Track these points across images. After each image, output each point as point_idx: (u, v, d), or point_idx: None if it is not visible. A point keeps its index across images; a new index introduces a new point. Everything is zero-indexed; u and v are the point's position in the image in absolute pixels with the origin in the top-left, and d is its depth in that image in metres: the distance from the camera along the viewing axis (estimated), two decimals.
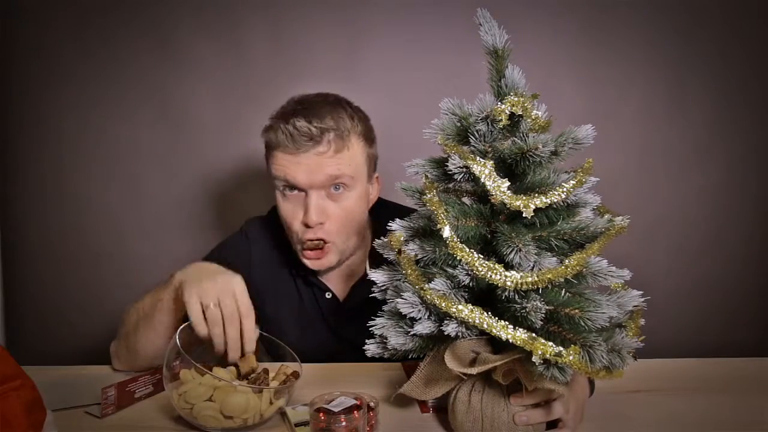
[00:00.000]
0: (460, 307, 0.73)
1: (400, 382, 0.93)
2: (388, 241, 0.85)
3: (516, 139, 0.79)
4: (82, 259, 1.73)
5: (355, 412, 0.82)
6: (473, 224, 0.80)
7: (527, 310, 0.73)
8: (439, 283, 0.77)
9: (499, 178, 0.75)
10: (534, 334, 0.69)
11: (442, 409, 0.93)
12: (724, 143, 1.72)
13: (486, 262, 0.73)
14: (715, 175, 1.73)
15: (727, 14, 1.67)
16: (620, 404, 0.98)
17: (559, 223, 0.79)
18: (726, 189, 1.74)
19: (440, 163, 0.82)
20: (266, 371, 0.96)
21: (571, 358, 0.68)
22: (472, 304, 0.73)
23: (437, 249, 0.81)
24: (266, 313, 1.23)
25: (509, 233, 0.76)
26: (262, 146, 1.18)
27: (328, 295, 1.24)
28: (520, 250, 0.74)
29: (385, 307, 0.86)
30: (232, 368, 0.96)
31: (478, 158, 0.76)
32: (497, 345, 0.80)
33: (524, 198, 0.74)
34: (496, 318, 0.72)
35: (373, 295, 0.89)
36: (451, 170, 0.78)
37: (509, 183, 0.75)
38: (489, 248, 0.80)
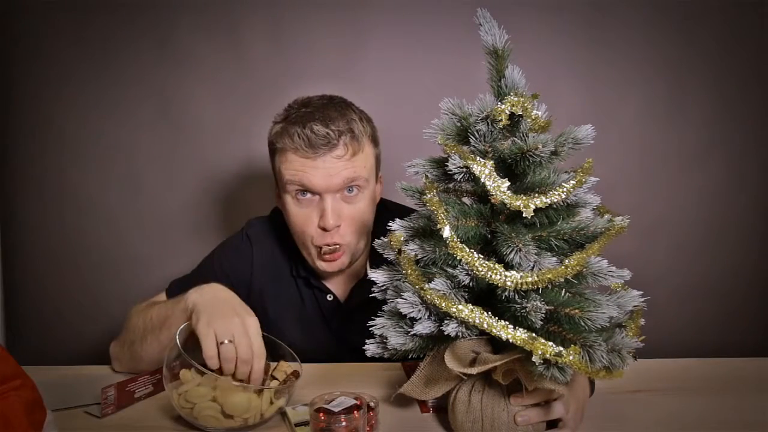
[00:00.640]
0: (460, 307, 0.73)
1: (400, 382, 0.93)
2: (388, 241, 0.85)
3: (516, 139, 0.79)
4: (82, 259, 1.73)
5: (355, 412, 0.82)
6: (473, 224, 0.80)
7: (527, 310, 0.73)
8: (439, 283, 0.77)
9: (499, 178, 0.75)
10: (534, 334, 0.69)
11: (442, 409, 0.93)
12: (724, 143, 1.72)
13: (486, 262, 0.73)
14: (715, 175, 1.73)
15: (727, 14, 1.67)
16: (620, 404, 0.98)
17: (559, 223, 0.79)
18: (726, 189, 1.74)
19: (440, 163, 0.82)
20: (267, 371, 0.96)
21: (571, 358, 0.68)
22: (472, 304, 0.73)
23: (437, 249, 0.81)
24: (267, 314, 1.22)
25: (509, 233, 0.76)
26: (262, 146, 1.18)
27: (329, 297, 1.23)
28: (520, 250, 0.74)
29: (385, 307, 0.86)
30: None
31: (478, 158, 0.76)
32: (497, 345, 0.80)
33: (524, 198, 0.74)
34: (496, 318, 0.72)
35: (373, 295, 0.89)
36: (451, 170, 0.78)
37: (509, 183, 0.75)
38: (489, 248, 0.80)
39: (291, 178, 1.09)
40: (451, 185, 0.84)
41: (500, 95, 0.79)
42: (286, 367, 0.96)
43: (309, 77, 1.62)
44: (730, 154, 1.73)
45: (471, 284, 0.79)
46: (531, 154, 0.76)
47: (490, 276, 0.72)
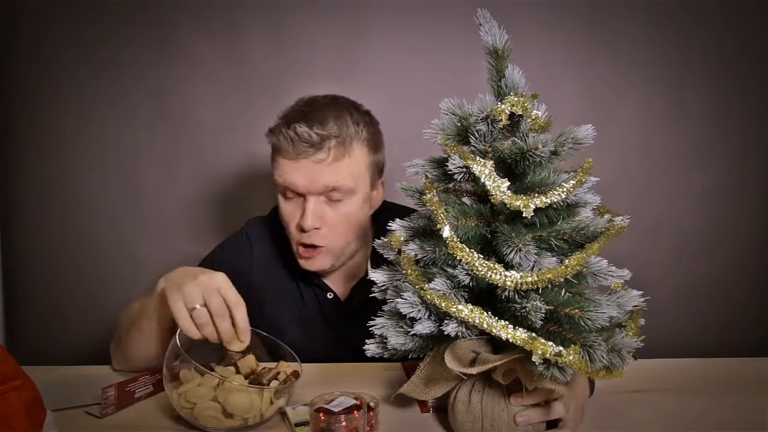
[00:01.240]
0: (460, 307, 0.73)
1: (400, 382, 0.93)
2: (388, 241, 0.85)
3: (516, 139, 0.79)
4: (82, 259, 1.73)
5: (355, 412, 0.82)
6: (473, 224, 0.80)
7: (527, 309, 0.73)
8: (439, 283, 0.77)
9: (499, 178, 0.75)
10: (534, 334, 0.69)
11: (442, 409, 0.93)
12: (724, 143, 1.72)
13: (486, 262, 0.73)
14: (714, 175, 1.73)
15: (727, 14, 1.67)
16: (620, 404, 0.98)
17: (559, 223, 0.79)
18: (726, 189, 1.74)
19: (440, 163, 0.82)
20: (268, 370, 0.96)
21: (571, 358, 0.68)
22: (472, 304, 0.73)
23: (437, 249, 0.81)
24: (267, 313, 1.22)
25: (509, 233, 0.76)
26: (262, 146, 1.18)
27: (329, 296, 1.23)
28: (520, 250, 0.74)
29: (385, 307, 0.86)
30: (232, 368, 0.96)
31: (478, 158, 0.76)
32: (497, 345, 0.80)
33: (524, 198, 0.74)
34: (496, 318, 0.72)
35: (373, 295, 0.89)
36: (451, 170, 0.78)
37: (509, 183, 0.75)
38: (489, 248, 0.80)
39: (277, 178, 1.11)
40: (451, 185, 0.84)
41: (500, 95, 0.79)
42: (286, 367, 0.96)
43: (309, 77, 1.62)
44: (730, 153, 1.73)
45: (471, 284, 0.79)
46: (531, 154, 0.76)
47: (490, 276, 0.72)
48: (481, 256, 0.73)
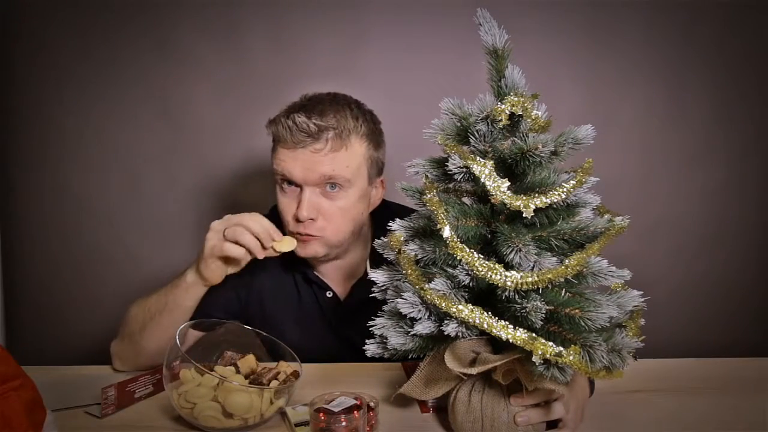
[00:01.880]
0: (460, 307, 0.73)
1: (400, 382, 0.93)
2: (388, 241, 0.85)
3: (516, 139, 0.79)
4: (82, 259, 1.73)
5: (355, 412, 0.82)
6: (473, 224, 0.80)
7: (527, 310, 0.73)
8: (439, 283, 0.77)
9: (499, 178, 0.75)
10: (534, 334, 0.69)
11: (442, 409, 0.93)
12: (724, 143, 1.72)
13: (486, 262, 0.73)
14: (715, 175, 1.73)
15: (727, 14, 1.67)
16: (620, 404, 0.98)
17: (559, 223, 0.79)
18: (726, 189, 1.74)
19: (440, 163, 0.82)
20: (268, 370, 0.96)
21: (571, 358, 0.68)
22: (472, 304, 0.73)
23: (437, 249, 0.81)
24: (268, 312, 1.23)
25: (509, 233, 0.76)
26: (262, 145, 1.19)
27: (328, 294, 1.24)
28: (520, 250, 0.74)
29: (385, 307, 0.86)
30: (232, 368, 0.96)
31: (478, 158, 0.76)
32: (497, 345, 0.80)
33: (524, 198, 0.74)
34: (496, 318, 0.72)
35: (373, 295, 0.89)
36: (451, 170, 0.78)
37: (509, 183, 0.75)
38: (489, 248, 0.80)
39: (276, 168, 1.12)
40: (451, 185, 0.84)
41: (500, 95, 0.79)
42: (285, 367, 0.96)
43: (309, 77, 1.62)
44: (730, 154, 1.73)
45: (471, 284, 0.79)
46: (531, 154, 0.76)
47: (490, 276, 0.72)
48: (481, 256, 0.73)
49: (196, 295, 1.11)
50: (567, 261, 0.73)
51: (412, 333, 0.81)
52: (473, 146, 0.80)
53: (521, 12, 1.63)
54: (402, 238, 0.82)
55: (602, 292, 0.77)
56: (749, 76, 1.70)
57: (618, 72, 1.68)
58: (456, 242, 0.74)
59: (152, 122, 1.69)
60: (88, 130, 1.69)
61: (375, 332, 0.84)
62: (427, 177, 0.82)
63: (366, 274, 1.20)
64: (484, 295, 0.80)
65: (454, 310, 0.72)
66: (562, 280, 0.74)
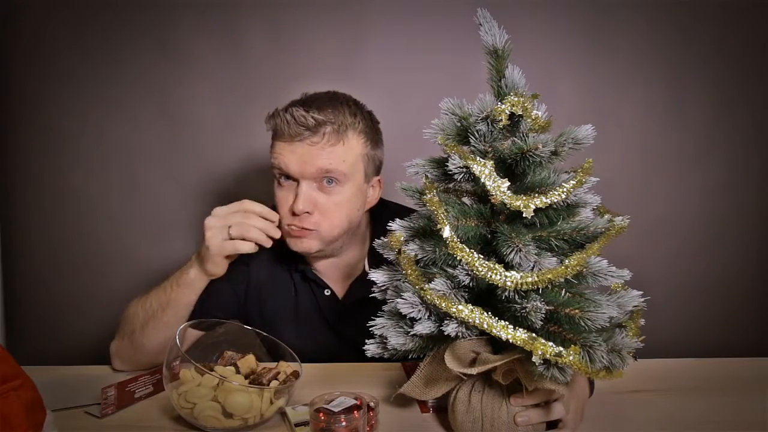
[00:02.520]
0: (460, 307, 0.73)
1: (400, 382, 0.93)
2: (388, 241, 0.85)
3: (516, 139, 0.79)
4: (82, 259, 1.73)
5: (355, 412, 0.82)
6: (473, 224, 0.80)
7: (527, 310, 0.73)
8: (439, 283, 0.77)
9: (499, 178, 0.75)
10: (534, 334, 0.69)
11: (442, 409, 0.93)
12: (724, 143, 1.72)
13: (486, 262, 0.73)
14: (715, 175, 1.73)
15: (727, 14, 1.67)
16: (620, 404, 0.98)
17: (559, 223, 0.79)
18: (726, 189, 1.74)
19: (440, 163, 0.82)
20: (268, 370, 0.96)
21: (571, 358, 0.68)
22: (472, 304, 0.73)
23: (437, 249, 0.81)
24: (266, 311, 1.23)
25: (509, 233, 0.76)
26: (262, 145, 1.19)
27: (327, 292, 1.24)
28: (520, 250, 0.74)
29: (385, 307, 0.86)
30: (232, 368, 0.96)
31: (478, 158, 0.76)
32: (497, 345, 0.80)
33: (524, 198, 0.74)
34: (496, 318, 0.72)
35: (372, 294, 0.89)
36: (451, 170, 0.78)
37: (509, 183, 0.75)
38: (489, 248, 0.80)
39: (273, 161, 1.13)
40: (451, 185, 0.84)
41: (500, 95, 0.79)
42: (285, 367, 0.96)
43: (309, 77, 1.61)
44: (730, 154, 1.72)
45: (471, 284, 0.79)
46: (531, 154, 0.76)
47: (490, 276, 0.72)
48: (481, 257, 0.73)
49: (200, 289, 1.13)
50: (567, 261, 0.73)
51: (412, 333, 0.81)
52: (473, 146, 0.80)
53: (521, 12, 1.63)
54: (402, 238, 0.82)
55: (602, 292, 0.77)
56: (749, 76, 1.69)
57: (618, 72, 1.68)
58: (456, 242, 0.74)
59: (152, 122, 1.69)
60: (88, 129, 1.69)
61: (375, 332, 0.84)
62: (427, 177, 0.82)
63: (364, 273, 1.21)
64: (484, 295, 0.80)
65: (454, 310, 0.73)
66: (562, 280, 0.74)
